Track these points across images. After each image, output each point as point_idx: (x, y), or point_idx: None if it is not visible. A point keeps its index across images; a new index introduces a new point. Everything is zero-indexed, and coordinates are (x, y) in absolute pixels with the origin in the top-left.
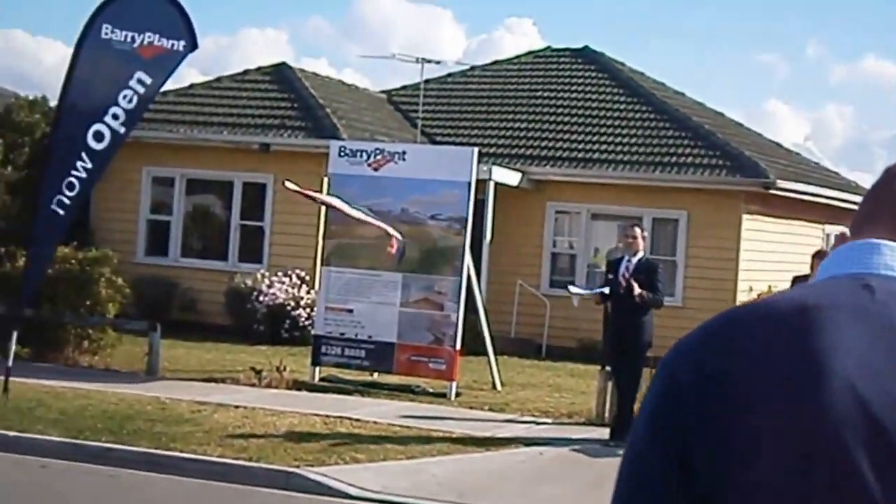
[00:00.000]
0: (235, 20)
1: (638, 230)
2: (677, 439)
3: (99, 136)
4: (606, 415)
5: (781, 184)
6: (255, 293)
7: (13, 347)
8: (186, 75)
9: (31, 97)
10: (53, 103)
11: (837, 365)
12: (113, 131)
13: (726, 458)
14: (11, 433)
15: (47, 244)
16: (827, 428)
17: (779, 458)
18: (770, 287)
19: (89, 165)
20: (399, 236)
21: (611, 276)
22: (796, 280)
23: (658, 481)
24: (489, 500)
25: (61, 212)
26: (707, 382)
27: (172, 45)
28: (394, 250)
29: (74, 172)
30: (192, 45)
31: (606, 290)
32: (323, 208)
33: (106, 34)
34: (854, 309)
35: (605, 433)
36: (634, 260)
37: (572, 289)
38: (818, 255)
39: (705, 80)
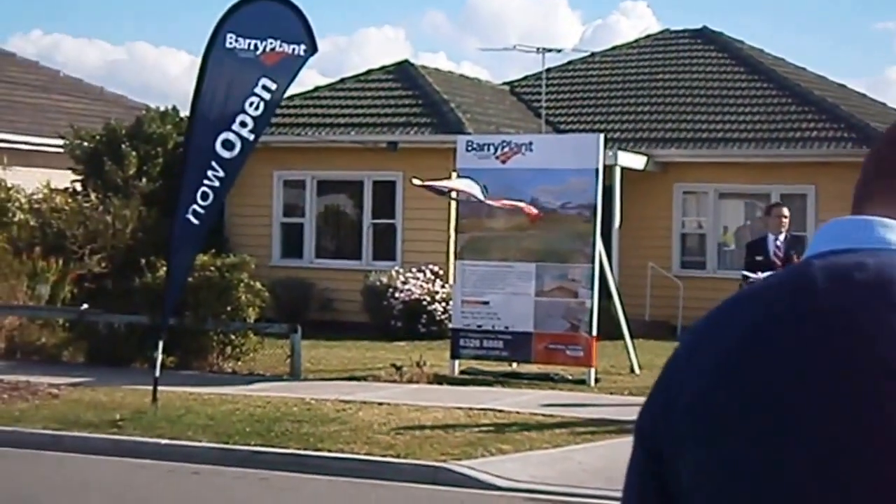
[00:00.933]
0: (353, 20)
1: (786, 209)
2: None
3: (228, 145)
4: None
5: None
6: (391, 290)
7: (160, 357)
8: (308, 78)
9: (161, 108)
10: (183, 114)
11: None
12: (242, 139)
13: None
14: (163, 441)
15: (185, 254)
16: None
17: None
18: None
19: (221, 174)
20: (532, 209)
21: (759, 258)
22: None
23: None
24: None
25: (196, 221)
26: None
27: (293, 49)
28: (534, 211)
29: (207, 182)
30: (313, 49)
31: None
32: (453, 204)
33: (230, 44)
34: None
35: None
36: (781, 238)
37: (752, 277)
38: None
39: (825, 53)
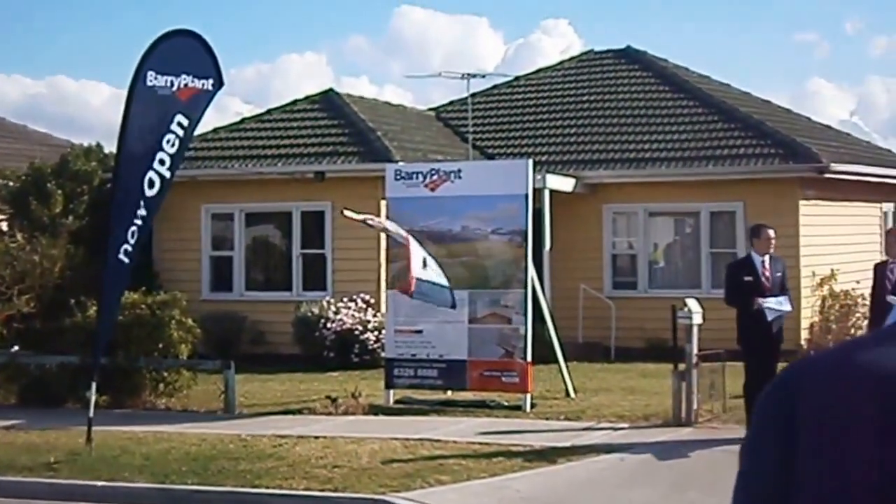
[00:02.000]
0: (275, 47)
1: (772, 230)
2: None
3: (151, 184)
4: (683, 415)
5: (835, 167)
6: (323, 320)
7: (93, 397)
8: (231, 105)
9: (85, 145)
10: (108, 150)
11: None
12: (161, 177)
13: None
14: (100, 483)
15: (117, 293)
16: None
17: None
18: (833, 270)
19: (145, 213)
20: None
21: (749, 279)
22: (877, 267)
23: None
24: None
25: (127, 260)
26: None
27: (203, 84)
28: (411, 289)
29: (136, 221)
30: (220, 83)
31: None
32: (383, 234)
33: (150, 81)
34: None
35: (683, 434)
36: (767, 258)
37: (766, 307)
38: (892, 233)
39: (747, 66)
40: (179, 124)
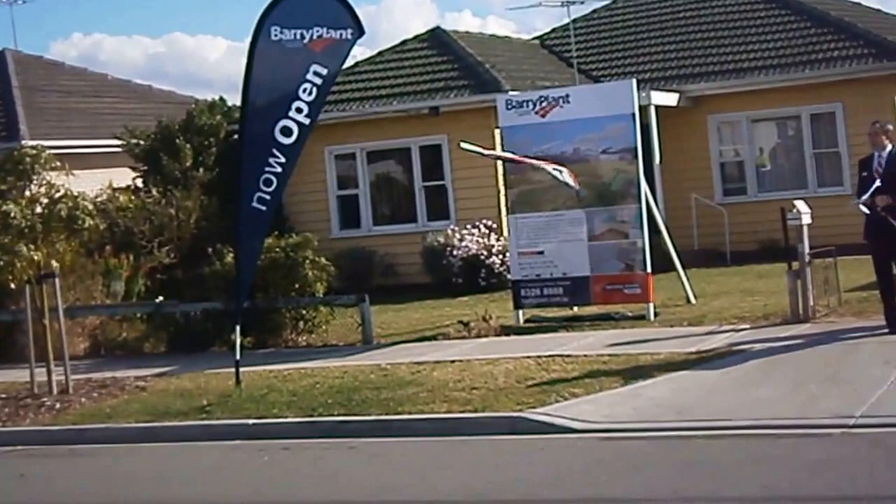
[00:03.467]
0: None
1: (878, 125)
2: None
3: (287, 131)
4: (800, 311)
5: None
6: (449, 248)
7: (238, 339)
8: None
9: (209, 100)
10: (231, 103)
11: None
12: (299, 124)
13: None
14: (251, 421)
15: (255, 240)
16: None
17: None
18: None
19: (282, 160)
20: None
21: (864, 174)
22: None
23: None
24: (708, 413)
25: (263, 208)
26: None
27: (341, 34)
28: (574, 180)
29: (269, 169)
30: (360, 32)
31: (877, 184)
32: (499, 161)
33: (276, 36)
34: None
35: (802, 330)
36: (885, 154)
37: (862, 207)
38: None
39: None
40: (316, 73)
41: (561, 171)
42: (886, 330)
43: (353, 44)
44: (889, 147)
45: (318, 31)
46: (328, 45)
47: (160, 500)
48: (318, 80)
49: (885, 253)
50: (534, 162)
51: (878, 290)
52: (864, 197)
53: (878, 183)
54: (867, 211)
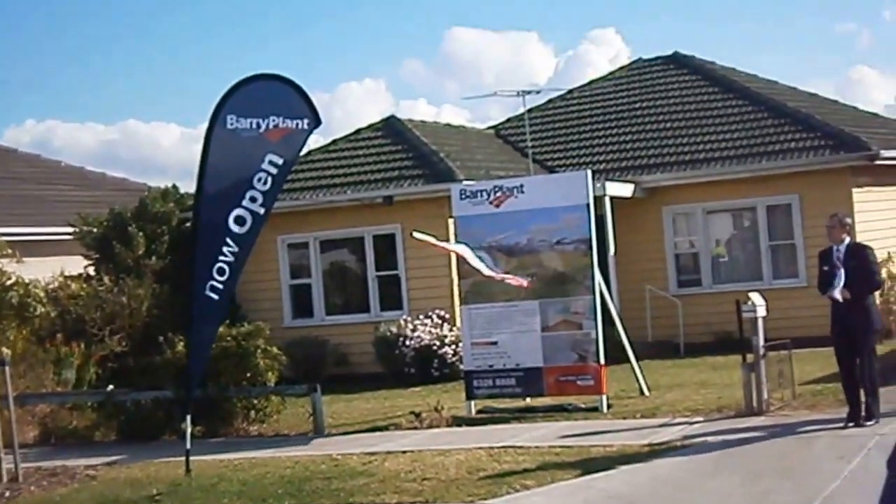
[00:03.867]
0: (334, 76)
1: (836, 219)
2: None
3: (241, 220)
4: (754, 404)
5: (885, 153)
6: (401, 338)
7: (188, 428)
8: None
9: (162, 187)
10: (183, 190)
11: None
12: (253, 213)
13: None
14: None
15: (208, 328)
16: None
17: None
18: (889, 254)
19: (236, 249)
20: (523, 282)
21: (825, 268)
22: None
23: None
24: None
25: (216, 296)
26: None
27: (297, 124)
28: (526, 283)
29: (222, 258)
30: (316, 122)
31: (842, 278)
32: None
33: (231, 124)
34: None
35: (755, 423)
36: (843, 247)
37: (835, 294)
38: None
39: (792, 61)
40: (272, 162)
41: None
42: (840, 424)
43: (309, 133)
44: (847, 240)
45: (274, 121)
46: (284, 135)
47: None
48: (274, 170)
49: (847, 346)
50: (484, 270)
51: (840, 383)
52: (838, 288)
53: (842, 274)
54: (840, 298)
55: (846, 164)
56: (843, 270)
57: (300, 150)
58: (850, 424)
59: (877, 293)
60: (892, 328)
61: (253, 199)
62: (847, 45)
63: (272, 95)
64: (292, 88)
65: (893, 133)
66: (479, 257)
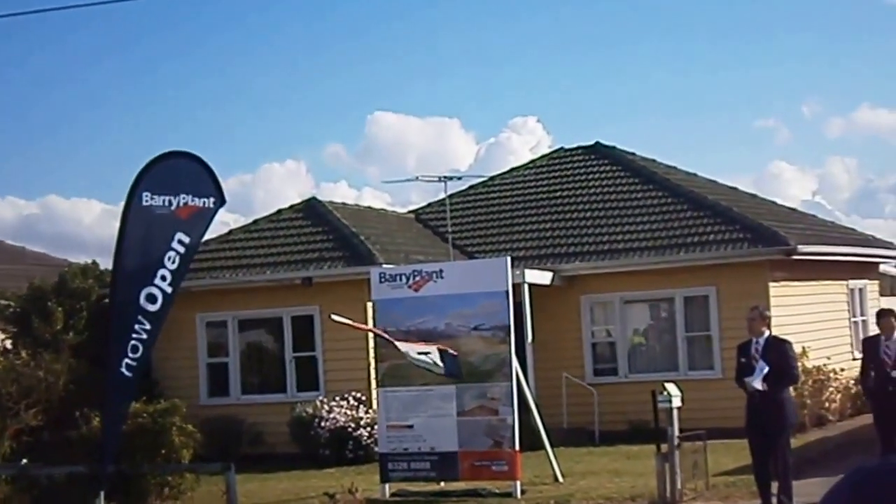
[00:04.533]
0: (255, 157)
1: (757, 311)
2: None
3: (152, 299)
4: (668, 494)
5: (802, 248)
6: (317, 419)
7: None
8: (218, 216)
9: (81, 263)
10: (103, 266)
11: None
12: (163, 292)
13: None
14: None
15: (121, 405)
16: None
17: None
18: (804, 348)
19: (148, 327)
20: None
21: (744, 360)
22: (866, 342)
23: None
24: None
25: (129, 374)
26: None
27: (204, 202)
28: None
29: (135, 335)
30: (222, 201)
31: (764, 369)
32: (370, 334)
33: (146, 201)
34: None
35: None
36: (762, 340)
37: (755, 384)
38: (882, 315)
39: (711, 154)
40: (180, 241)
41: (429, 353)
42: None
43: (215, 212)
44: (766, 333)
45: (184, 199)
46: (193, 213)
47: None
48: (182, 249)
49: (761, 439)
50: (400, 346)
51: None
52: (758, 378)
53: (763, 365)
54: (761, 388)
55: (764, 257)
56: (762, 362)
57: (206, 229)
58: None
59: (791, 388)
60: (805, 422)
61: (163, 278)
62: (766, 140)
63: (183, 173)
64: (201, 166)
65: (810, 228)
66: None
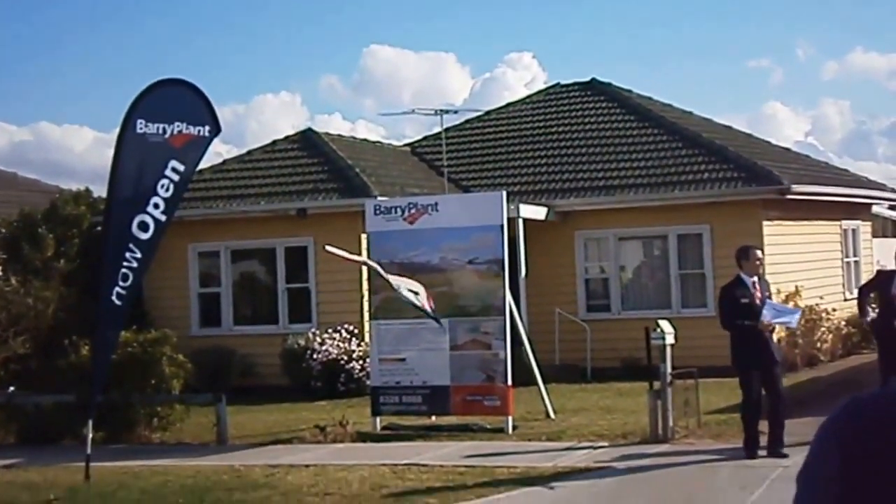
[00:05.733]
0: (250, 88)
1: (759, 252)
2: None
3: (144, 226)
4: (659, 432)
5: (796, 188)
6: (309, 351)
7: (90, 434)
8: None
9: (74, 189)
10: (96, 194)
11: None
12: (156, 220)
13: None
14: None
15: (110, 333)
16: None
17: None
18: (797, 287)
19: (138, 255)
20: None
21: (745, 300)
22: (880, 274)
23: None
24: None
25: (119, 302)
26: None
27: (199, 131)
28: (430, 302)
29: (126, 263)
30: (217, 130)
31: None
32: (364, 266)
33: (141, 129)
34: None
35: (660, 450)
36: (756, 279)
37: (785, 320)
38: None
39: (706, 93)
40: (174, 169)
41: (418, 294)
42: (744, 454)
43: (209, 141)
44: (760, 273)
45: (178, 127)
46: (187, 141)
47: None
48: (176, 177)
49: (751, 377)
50: (392, 279)
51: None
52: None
53: (777, 305)
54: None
55: (758, 196)
56: (761, 302)
57: (201, 157)
58: (752, 454)
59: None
60: (797, 361)
61: (156, 206)
62: (760, 81)
63: (178, 101)
64: (196, 94)
65: (804, 169)
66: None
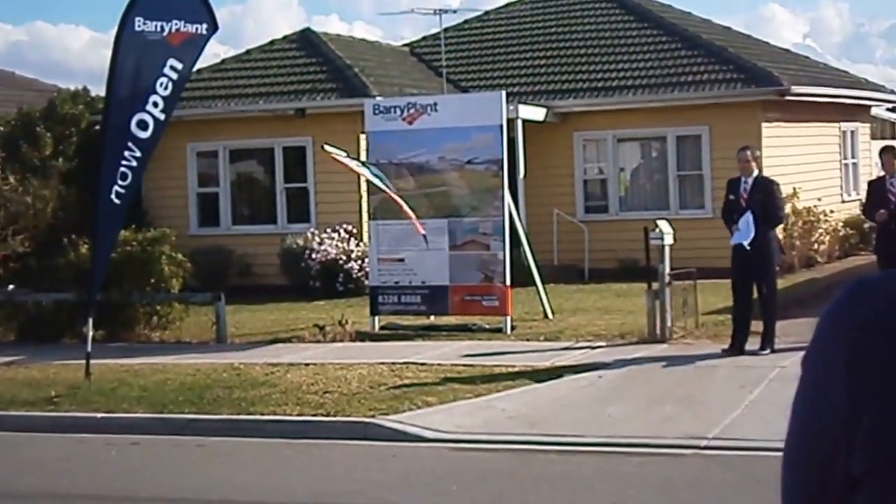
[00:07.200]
0: None
1: (748, 152)
2: None
3: (143, 125)
4: (657, 332)
5: (795, 89)
6: (308, 251)
7: (90, 332)
8: (209, 47)
9: (72, 89)
10: (94, 93)
11: None
12: (155, 119)
13: None
14: (99, 414)
15: (110, 232)
16: None
17: None
18: (795, 189)
19: (137, 153)
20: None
21: (732, 198)
22: (872, 184)
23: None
24: (560, 427)
25: (118, 201)
26: None
27: (196, 29)
28: (422, 231)
29: (125, 162)
30: (214, 27)
31: (750, 217)
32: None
33: (139, 27)
34: None
35: (657, 350)
36: (751, 180)
37: (745, 243)
38: (885, 151)
39: None
40: (172, 68)
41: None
42: (744, 354)
43: (207, 39)
44: (756, 173)
45: (176, 25)
46: (185, 39)
47: (1, 490)
48: (174, 75)
49: (744, 278)
50: (390, 193)
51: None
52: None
53: (750, 221)
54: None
55: (757, 97)
56: (749, 215)
57: (198, 55)
58: (735, 352)
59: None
60: (794, 263)
61: (155, 104)
62: None
63: None
64: None
65: (804, 70)
66: (386, 186)
